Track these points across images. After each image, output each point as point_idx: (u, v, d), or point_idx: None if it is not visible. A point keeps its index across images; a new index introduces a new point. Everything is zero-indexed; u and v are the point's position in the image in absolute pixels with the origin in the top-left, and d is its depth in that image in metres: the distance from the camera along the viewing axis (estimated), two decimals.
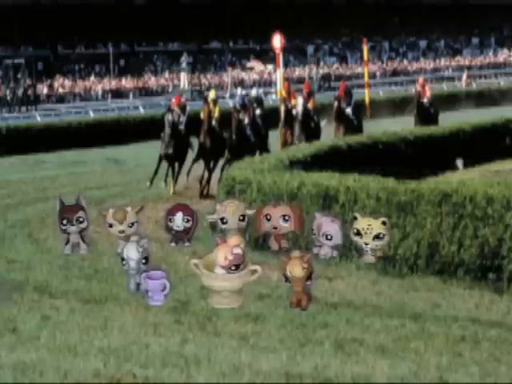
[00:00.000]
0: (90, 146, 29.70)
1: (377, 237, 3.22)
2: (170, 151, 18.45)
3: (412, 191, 10.89)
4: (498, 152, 21.42)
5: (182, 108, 19.40)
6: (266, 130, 19.95)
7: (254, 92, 22.11)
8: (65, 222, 3.07)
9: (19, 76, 54.18)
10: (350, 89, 24.93)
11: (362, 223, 3.31)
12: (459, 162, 20.14)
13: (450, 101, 41.23)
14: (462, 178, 13.37)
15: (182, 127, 18.94)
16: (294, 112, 21.01)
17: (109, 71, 69.47)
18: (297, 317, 8.33)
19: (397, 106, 36.60)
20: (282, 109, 21.26)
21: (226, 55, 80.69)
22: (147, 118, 34.13)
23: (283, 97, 21.95)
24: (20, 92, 51.55)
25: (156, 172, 18.38)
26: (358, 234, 3.14)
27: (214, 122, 18.66)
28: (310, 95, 21.92)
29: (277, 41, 24.84)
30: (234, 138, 18.33)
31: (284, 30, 27.63)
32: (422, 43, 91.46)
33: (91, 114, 40.70)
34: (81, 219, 3.06)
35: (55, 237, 11.88)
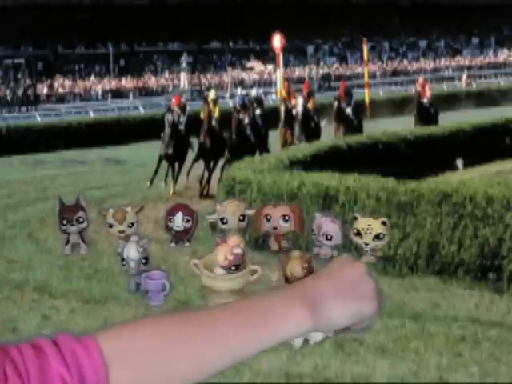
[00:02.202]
0: (89, 146, 29.66)
1: (377, 237, 3.24)
2: (170, 151, 18.44)
3: (412, 191, 10.90)
4: (498, 152, 21.40)
5: (182, 108, 19.40)
6: (265, 130, 19.95)
7: (253, 92, 22.12)
8: (65, 222, 3.08)
9: (19, 76, 54.21)
10: (349, 89, 24.92)
11: (362, 223, 3.33)
12: (459, 162, 20.13)
13: (450, 101, 41.18)
14: (462, 178, 13.37)
15: (182, 127, 18.93)
16: (293, 112, 21.01)
17: (109, 71, 69.52)
18: None
19: (397, 106, 36.57)
20: (282, 109, 21.26)
21: (226, 55, 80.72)
22: (147, 118, 34.10)
23: (283, 97, 21.95)
24: (20, 92, 51.57)
25: (156, 172, 18.38)
26: (358, 234, 3.16)
27: (214, 122, 18.65)
28: (310, 95, 21.93)
29: (277, 41, 24.82)
30: (234, 137, 18.33)
31: (284, 29, 27.61)
32: (422, 43, 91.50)
33: (91, 114, 40.68)
34: (81, 219, 3.07)
35: (55, 237, 11.87)
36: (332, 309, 1.18)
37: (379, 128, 21.69)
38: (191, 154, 18.70)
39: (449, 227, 10.44)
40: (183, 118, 19.06)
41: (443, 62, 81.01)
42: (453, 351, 7.56)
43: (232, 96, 36.07)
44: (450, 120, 24.77)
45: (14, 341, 1.07)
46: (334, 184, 11.62)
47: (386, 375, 6.97)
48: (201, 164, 18.38)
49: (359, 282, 1.21)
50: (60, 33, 70.11)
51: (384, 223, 3.38)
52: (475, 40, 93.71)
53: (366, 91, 30.21)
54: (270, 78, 65.12)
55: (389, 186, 11.19)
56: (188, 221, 3.74)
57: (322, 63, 76.70)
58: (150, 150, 21.03)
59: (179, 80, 64.72)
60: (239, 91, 22.59)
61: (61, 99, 58.50)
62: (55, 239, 11.92)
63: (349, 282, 1.21)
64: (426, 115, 24.77)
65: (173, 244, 4.14)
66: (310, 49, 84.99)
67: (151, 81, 67.49)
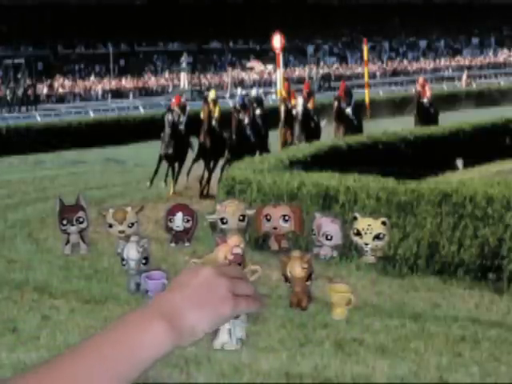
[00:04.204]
0: (89, 145, 29.66)
1: (377, 237, 3.22)
2: (170, 151, 18.45)
3: (412, 191, 10.90)
4: (498, 152, 21.40)
5: (182, 108, 19.40)
6: (265, 130, 19.95)
7: (253, 92, 22.12)
8: (65, 222, 3.08)
9: (19, 76, 54.20)
10: (349, 89, 24.93)
11: (362, 223, 3.32)
12: (459, 162, 20.13)
13: (450, 101, 41.18)
14: (462, 177, 13.38)
15: (182, 127, 18.94)
16: (293, 112, 21.01)
17: (109, 71, 69.50)
18: (297, 317, 8.34)
19: (397, 106, 36.57)
20: (282, 109, 21.27)
21: (226, 55, 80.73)
22: (147, 118, 34.10)
23: (283, 97, 21.95)
24: (20, 92, 51.56)
25: (156, 172, 18.39)
26: (358, 234, 3.16)
27: (214, 122, 18.65)
28: (310, 95, 21.93)
29: (277, 41, 24.82)
30: (234, 137, 18.33)
31: (284, 29, 27.60)
32: (422, 43, 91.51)
33: (91, 114, 40.68)
34: (81, 219, 3.07)
35: (55, 237, 11.87)
36: (191, 318, 1.22)
37: (379, 128, 21.69)
38: (191, 154, 18.71)
39: (449, 227, 10.44)
40: (183, 118, 19.07)
41: (443, 62, 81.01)
42: (453, 351, 7.56)
43: (232, 96, 36.07)
44: (450, 120, 24.77)
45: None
46: (334, 184, 11.62)
47: (385, 375, 6.97)
48: (201, 164, 18.38)
49: (210, 287, 1.24)
50: (60, 33, 70.11)
51: (384, 223, 3.38)
52: (475, 40, 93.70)
53: (366, 91, 30.20)
54: (270, 77, 65.10)
55: (389, 186, 11.19)
56: (188, 221, 3.74)
57: (322, 63, 76.68)
58: (150, 150, 21.03)
59: (179, 80, 64.71)
60: (239, 91, 22.59)
61: (61, 99, 58.48)
62: (55, 239, 11.92)
63: (201, 289, 1.24)
64: (426, 115, 24.77)
65: (173, 244, 4.13)
66: (310, 49, 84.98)
67: (151, 81, 67.49)
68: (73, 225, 3.12)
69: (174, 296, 1.24)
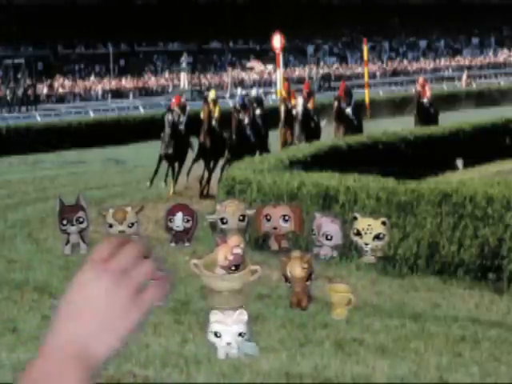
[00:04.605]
0: (90, 145, 29.67)
1: (377, 237, 3.22)
2: (170, 151, 18.45)
3: (412, 191, 10.89)
4: (498, 152, 21.41)
5: (182, 108, 19.41)
6: (265, 130, 19.96)
7: (253, 92, 22.14)
8: (65, 222, 3.08)
9: (19, 76, 54.22)
10: (350, 89, 24.94)
11: (361, 223, 3.32)
12: (459, 162, 20.13)
13: (450, 101, 41.19)
14: (462, 178, 13.38)
15: (182, 127, 18.94)
16: (293, 112, 21.02)
17: (109, 71, 69.50)
18: (297, 317, 8.33)
19: (397, 106, 36.57)
20: (282, 109, 21.28)
21: (226, 55, 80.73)
22: (147, 118, 34.11)
23: (283, 97, 21.96)
24: (20, 92, 51.57)
25: (156, 172, 18.39)
26: (358, 234, 3.15)
27: (214, 122, 18.66)
28: (310, 95, 21.94)
29: (277, 41, 24.82)
30: (234, 137, 18.33)
31: (284, 29, 27.60)
32: (422, 43, 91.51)
33: (91, 114, 40.68)
34: (81, 219, 3.07)
35: (55, 237, 11.87)
36: (102, 346, 1.16)
37: (379, 128, 21.68)
38: (191, 154, 18.71)
39: (449, 227, 10.43)
40: (183, 118, 19.08)
41: (443, 62, 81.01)
42: (453, 351, 7.56)
43: (232, 96, 36.06)
44: (450, 120, 24.76)
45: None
46: (334, 184, 11.62)
47: (385, 375, 6.98)
48: (201, 164, 18.38)
49: (108, 300, 1.15)
50: (60, 33, 70.11)
51: (384, 223, 3.38)
52: (475, 40, 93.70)
53: (366, 91, 30.20)
54: (270, 78, 65.08)
55: (389, 186, 11.19)
56: (188, 221, 3.74)
57: (322, 63, 76.69)
58: (150, 150, 21.02)
59: (179, 80, 64.70)
60: (239, 91, 22.60)
61: (61, 99, 58.47)
62: (55, 239, 11.92)
63: (100, 308, 1.15)
64: (426, 115, 24.77)
65: (173, 244, 4.13)
66: (310, 49, 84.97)
67: (151, 81, 67.49)
68: (73, 225, 3.13)
69: (75, 328, 1.16)
